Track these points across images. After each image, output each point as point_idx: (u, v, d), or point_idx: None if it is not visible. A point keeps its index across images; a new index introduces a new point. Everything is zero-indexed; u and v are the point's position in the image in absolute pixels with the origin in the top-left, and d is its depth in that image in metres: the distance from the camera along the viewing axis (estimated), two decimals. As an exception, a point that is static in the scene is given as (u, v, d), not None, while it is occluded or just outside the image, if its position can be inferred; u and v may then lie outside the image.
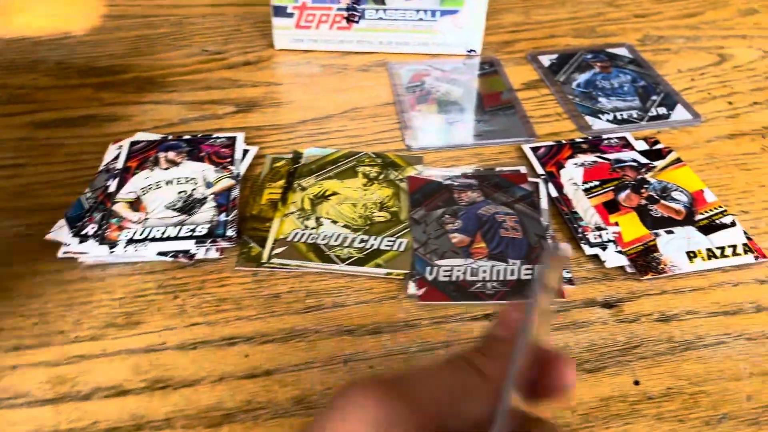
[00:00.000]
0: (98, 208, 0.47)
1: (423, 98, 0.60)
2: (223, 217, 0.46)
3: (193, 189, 0.48)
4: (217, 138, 0.53)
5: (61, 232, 0.45)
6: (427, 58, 0.66)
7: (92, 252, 0.43)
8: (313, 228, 0.46)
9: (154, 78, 0.63)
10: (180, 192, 0.48)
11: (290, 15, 0.64)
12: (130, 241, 0.44)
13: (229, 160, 0.51)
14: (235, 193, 0.48)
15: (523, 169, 0.51)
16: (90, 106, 0.59)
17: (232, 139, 0.53)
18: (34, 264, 0.44)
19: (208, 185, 0.48)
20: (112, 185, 0.48)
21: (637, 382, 0.37)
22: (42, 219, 0.46)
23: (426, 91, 0.61)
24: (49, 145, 0.54)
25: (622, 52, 0.67)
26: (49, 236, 0.45)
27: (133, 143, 0.52)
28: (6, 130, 0.56)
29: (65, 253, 0.44)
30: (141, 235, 0.44)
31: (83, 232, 0.45)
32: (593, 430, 0.35)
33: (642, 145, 0.54)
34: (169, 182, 0.49)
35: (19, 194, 0.50)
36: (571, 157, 0.52)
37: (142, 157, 0.51)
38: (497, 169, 0.52)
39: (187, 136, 0.54)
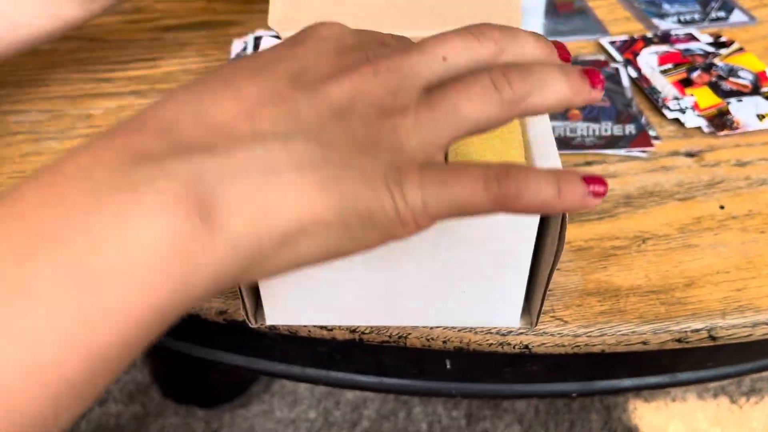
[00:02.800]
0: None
1: (503, 6, 0.67)
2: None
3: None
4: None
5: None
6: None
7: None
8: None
9: (257, -7, 0.70)
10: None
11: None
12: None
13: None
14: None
15: (602, 57, 0.58)
16: (205, 15, 0.66)
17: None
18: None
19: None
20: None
21: (722, 207, 0.44)
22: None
23: (504, 1, 0.68)
24: (178, 44, 0.61)
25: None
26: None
27: (256, 38, 0.59)
28: (137, 32, 0.63)
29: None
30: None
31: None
32: (690, 238, 0.42)
33: (707, 38, 0.60)
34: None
35: (162, 80, 0.57)
36: (644, 47, 0.59)
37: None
38: (579, 58, 0.58)
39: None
